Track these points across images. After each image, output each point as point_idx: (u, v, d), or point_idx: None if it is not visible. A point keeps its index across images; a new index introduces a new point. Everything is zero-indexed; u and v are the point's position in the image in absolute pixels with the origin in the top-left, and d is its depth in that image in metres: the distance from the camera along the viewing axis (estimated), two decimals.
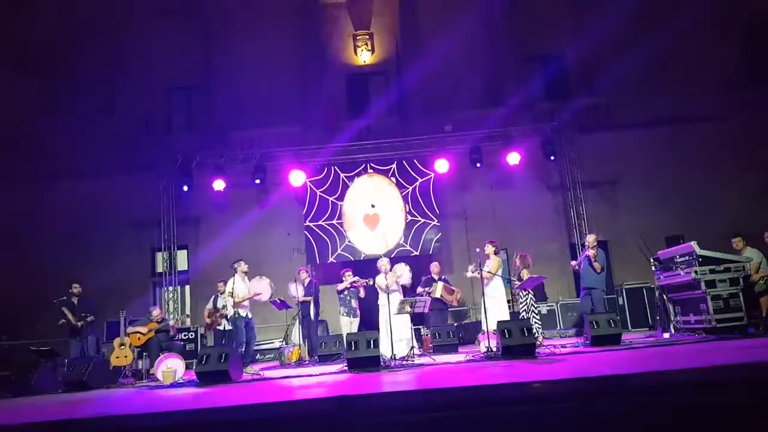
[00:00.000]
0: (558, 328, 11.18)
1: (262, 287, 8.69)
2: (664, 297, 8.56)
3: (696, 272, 7.46)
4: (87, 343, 8.93)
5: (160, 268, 13.15)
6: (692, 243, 7.72)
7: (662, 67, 12.79)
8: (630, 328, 10.80)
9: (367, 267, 9.74)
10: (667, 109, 12.84)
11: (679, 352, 6.11)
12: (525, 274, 8.39)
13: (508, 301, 9.28)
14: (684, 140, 12.70)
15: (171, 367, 7.58)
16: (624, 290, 11.27)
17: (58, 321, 8.86)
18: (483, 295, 8.15)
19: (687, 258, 7.80)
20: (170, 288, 12.82)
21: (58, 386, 7.65)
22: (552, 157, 12.43)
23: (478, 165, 12.39)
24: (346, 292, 9.50)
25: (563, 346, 7.83)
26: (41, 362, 7.97)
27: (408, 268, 9.22)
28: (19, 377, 7.56)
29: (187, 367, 8.15)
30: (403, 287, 8.86)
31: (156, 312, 9.32)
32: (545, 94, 13.54)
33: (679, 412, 3.76)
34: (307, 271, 10.32)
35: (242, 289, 8.22)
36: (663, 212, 12.26)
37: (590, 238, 9.05)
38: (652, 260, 8.57)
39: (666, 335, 8.20)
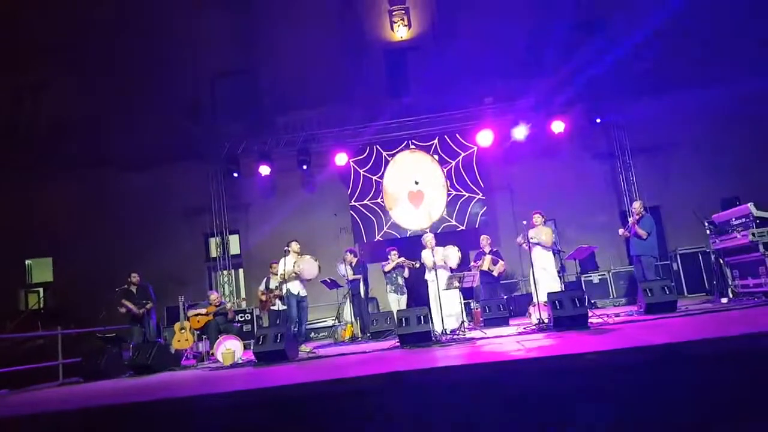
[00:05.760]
0: (611, 297, 11.02)
1: (307, 266, 8.69)
2: (721, 261, 8.30)
3: (753, 234, 7.22)
4: (149, 328, 9.38)
5: (213, 253, 13.63)
6: (749, 204, 7.46)
7: (714, 26, 12.16)
8: (686, 294, 10.55)
9: (413, 244, 9.78)
10: (719, 70, 12.24)
11: (738, 317, 5.94)
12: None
13: (558, 272, 9.17)
14: (737, 101, 12.10)
15: (230, 348, 7.84)
16: (678, 256, 10.98)
17: (119, 309, 9.30)
18: (531, 266, 8.10)
19: (743, 220, 7.56)
20: (224, 272, 13.30)
21: (125, 370, 8.04)
22: (598, 120, 12.12)
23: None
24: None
25: (616, 315, 7.72)
26: (107, 348, 8.37)
27: (457, 250, 8.99)
28: (88, 363, 7.93)
29: (245, 347, 8.42)
30: (451, 269, 8.79)
31: (214, 296, 9.60)
32: (589, 59, 13.07)
33: (741, 379, 3.69)
34: (353, 252, 10.39)
35: (289, 267, 8.30)
36: (717, 175, 11.80)
37: (636, 205, 8.84)
38: (706, 224, 8.31)
39: (724, 300, 7.97)
